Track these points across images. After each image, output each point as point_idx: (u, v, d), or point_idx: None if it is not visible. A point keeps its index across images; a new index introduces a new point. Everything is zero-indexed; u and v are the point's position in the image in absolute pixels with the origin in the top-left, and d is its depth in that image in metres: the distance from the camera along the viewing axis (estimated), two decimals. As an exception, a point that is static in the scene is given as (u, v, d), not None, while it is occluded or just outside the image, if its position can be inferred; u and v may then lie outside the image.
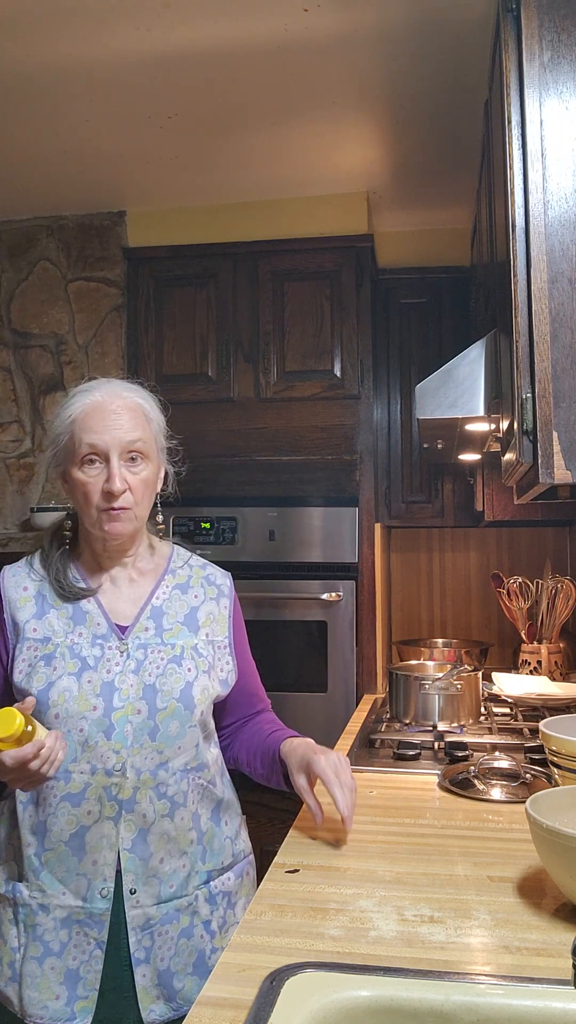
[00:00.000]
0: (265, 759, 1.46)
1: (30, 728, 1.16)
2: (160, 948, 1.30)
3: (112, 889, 1.28)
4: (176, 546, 1.54)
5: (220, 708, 1.50)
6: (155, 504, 1.45)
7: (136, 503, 1.36)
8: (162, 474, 1.44)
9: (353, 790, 1.34)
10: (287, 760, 1.40)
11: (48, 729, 1.24)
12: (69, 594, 1.38)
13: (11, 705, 1.31)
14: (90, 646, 1.35)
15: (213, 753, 1.45)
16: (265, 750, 1.47)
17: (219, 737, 1.52)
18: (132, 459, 1.35)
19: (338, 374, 2.91)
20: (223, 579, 1.53)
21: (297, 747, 1.41)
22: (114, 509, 1.33)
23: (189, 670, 1.37)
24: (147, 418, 1.40)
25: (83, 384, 1.41)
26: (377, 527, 3.02)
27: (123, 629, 1.38)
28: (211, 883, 1.38)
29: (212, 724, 1.46)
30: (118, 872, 1.29)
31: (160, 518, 1.48)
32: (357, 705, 2.68)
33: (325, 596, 2.78)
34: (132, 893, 1.28)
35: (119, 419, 1.34)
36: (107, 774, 1.29)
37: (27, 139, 2.58)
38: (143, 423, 1.38)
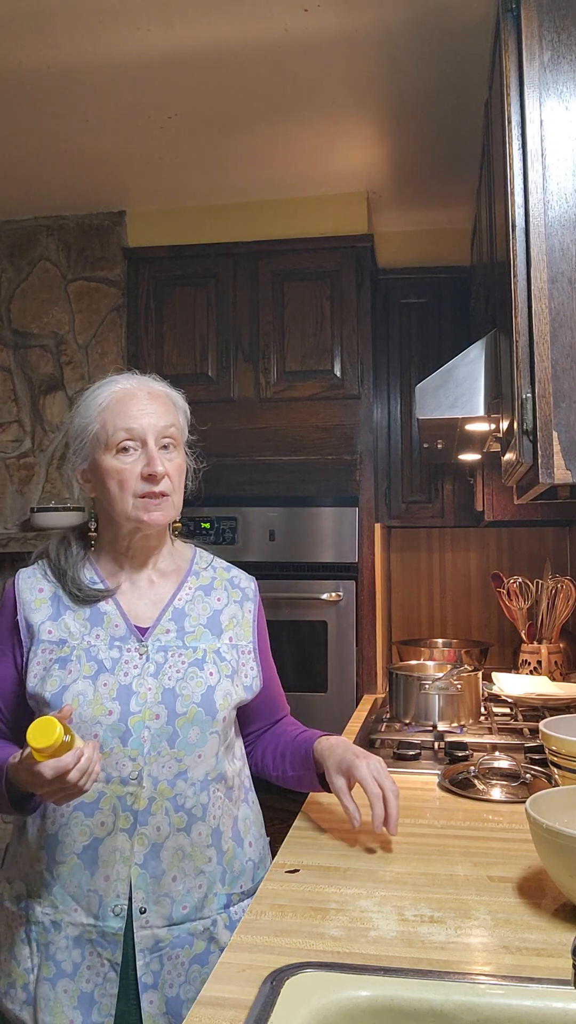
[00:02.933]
0: (296, 760, 1.40)
1: (68, 738, 1.10)
2: (169, 973, 1.22)
3: (126, 907, 1.22)
4: (198, 548, 1.48)
5: (242, 716, 1.44)
6: None
7: (174, 490, 1.31)
8: (184, 465, 1.39)
9: (396, 795, 1.29)
10: (324, 760, 1.34)
11: (84, 739, 1.18)
12: (87, 597, 1.32)
13: (28, 715, 1.28)
14: (108, 648, 1.29)
15: (236, 766, 1.38)
16: (296, 751, 1.40)
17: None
18: (165, 446, 1.31)
19: (338, 374, 2.91)
20: (247, 582, 1.47)
21: (335, 746, 1.35)
22: (154, 496, 1.28)
23: (211, 674, 1.31)
24: (176, 406, 1.37)
25: (105, 378, 1.37)
26: (377, 527, 3.02)
27: (143, 631, 1.32)
28: (232, 908, 1.30)
29: (233, 734, 1.39)
30: (131, 889, 1.23)
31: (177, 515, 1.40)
32: (357, 705, 2.68)
33: (325, 596, 2.78)
34: (142, 912, 1.22)
35: (152, 405, 1.31)
36: (122, 783, 1.23)
37: (27, 139, 2.58)
38: (173, 410, 1.35)
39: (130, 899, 1.22)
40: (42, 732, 1.07)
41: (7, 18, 1.97)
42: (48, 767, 1.08)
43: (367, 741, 2.03)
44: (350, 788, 1.31)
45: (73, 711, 1.21)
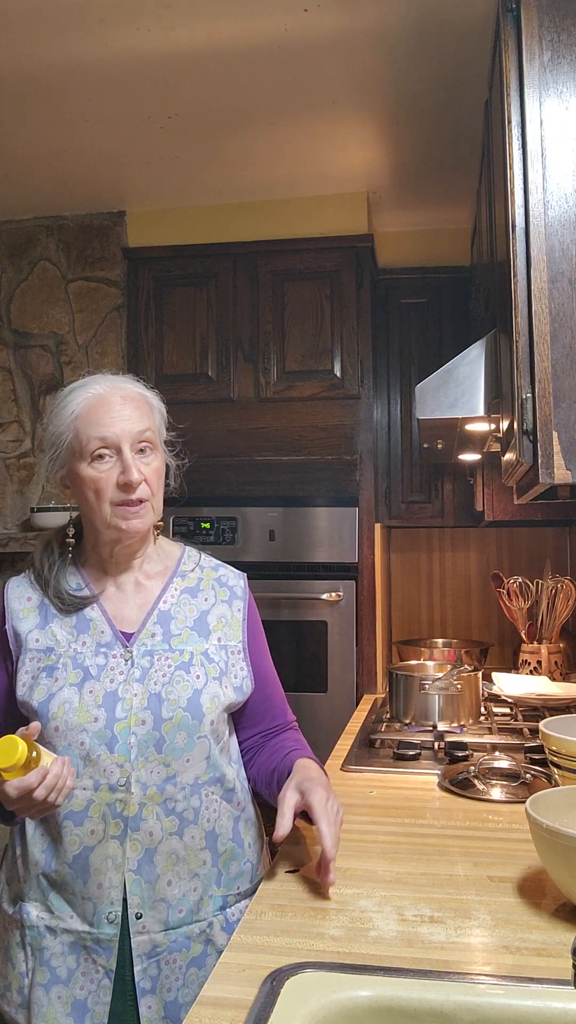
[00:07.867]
0: (281, 781, 1.33)
1: (35, 754, 1.10)
2: (167, 978, 1.22)
3: (120, 913, 1.21)
4: (187, 547, 1.46)
5: (239, 721, 1.42)
6: None
7: (152, 494, 1.29)
8: (163, 467, 1.37)
9: (338, 825, 1.21)
10: (293, 773, 1.28)
11: (54, 752, 1.19)
12: (70, 606, 1.31)
13: (19, 722, 1.27)
14: (93, 655, 1.28)
15: (235, 768, 1.36)
16: (282, 771, 1.35)
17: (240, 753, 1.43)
18: (142, 450, 1.28)
19: (338, 374, 2.91)
20: (236, 580, 1.43)
21: (308, 768, 1.29)
22: (131, 503, 1.26)
23: (198, 677, 1.29)
24: (151, 407, 1.34)
25: (77, 381, 1.34)
26: (377, 527, 3.02)
27: (128, 636, 1.30)
28: (228, 909, 1.29)
29: (227, 736, 1.37)
30: (126, 895, 1.22)
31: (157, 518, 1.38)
32: (357, 705, 2.68)
33: (325, 596, 2.78)
34: (138, 918, 1.21)
35: (125, 410, 1.28)
36: (111, 790, 1.22)
37: (27, 139, 2.58)
38: (148, 412, 1.32)
39: (124, 904, 1.21)
40: (4, 752, 1.08)
41: (7, 18, 1.97)
42: (12, 787, 1.09)
43: (367, 741, 2.03)
44: (298, 810, 1.22)
45: (44, 717, 1.22)
